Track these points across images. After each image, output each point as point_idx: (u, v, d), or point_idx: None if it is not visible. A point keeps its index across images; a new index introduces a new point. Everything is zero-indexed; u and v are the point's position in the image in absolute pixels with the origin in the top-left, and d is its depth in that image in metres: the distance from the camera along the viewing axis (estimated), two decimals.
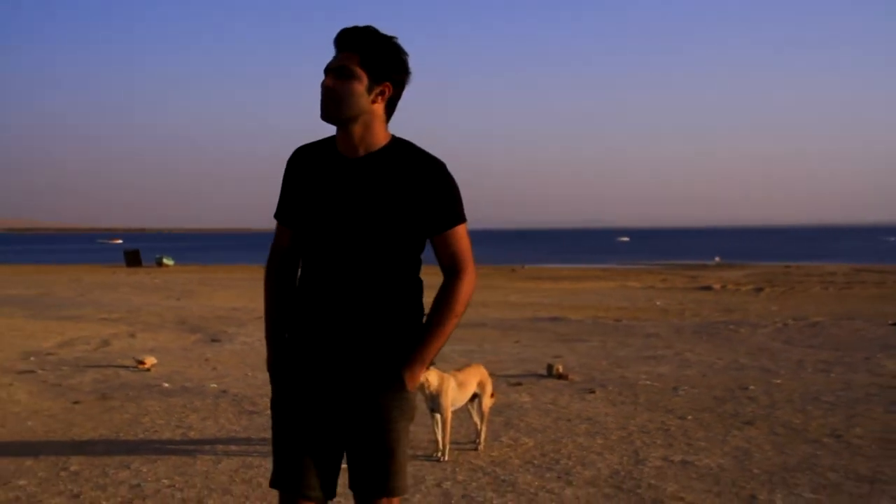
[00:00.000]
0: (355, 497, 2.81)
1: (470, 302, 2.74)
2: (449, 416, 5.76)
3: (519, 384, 8.70)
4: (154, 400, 7.89)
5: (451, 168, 2.79)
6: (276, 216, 2.93)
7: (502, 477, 5.30)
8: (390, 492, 2.75)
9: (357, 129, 2.74)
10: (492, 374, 9.09)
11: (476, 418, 6.13)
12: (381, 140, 2.77)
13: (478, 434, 6.10)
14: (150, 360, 10.15)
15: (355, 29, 2.76)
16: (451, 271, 2.76)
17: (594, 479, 5.23)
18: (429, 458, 5.76)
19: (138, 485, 5.13)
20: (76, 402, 7.80)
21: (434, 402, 5.73)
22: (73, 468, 5.50)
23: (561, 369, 9.31)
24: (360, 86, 2.72)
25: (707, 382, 8.75)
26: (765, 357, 10.81)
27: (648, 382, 8.77)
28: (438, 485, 5.13)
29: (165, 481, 5.20)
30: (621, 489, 5.01)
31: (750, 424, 6.74)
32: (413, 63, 2.79)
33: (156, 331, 14.36)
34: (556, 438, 6.30)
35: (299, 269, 2.90)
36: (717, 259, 55.67)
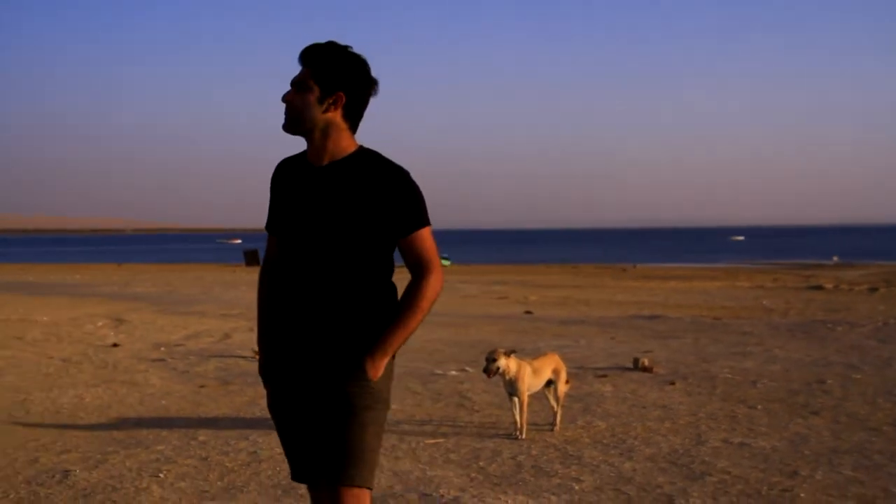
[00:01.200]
0: (323, 492, 2.88)
1: (436, 300, 2.87)
2: (525, 399, 6.41)
3: (604, 376, 9.25)
4: None
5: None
6: (265, 227, 3.10)
7: (571, 452, 5.93)
8: (344, 480, 2.80)
9: (317, 139, 2.93)
10: (580, 367, 9.72)
11: (552, 402, 6.76)
12: (345, 149, 2.93)
13: (554, 416, 6.72)
14: None
15: (312, 45, 2.94)
16: (416, 273, 2.90)
17: (654, 455, 5.81)
18: (509, 436, 6.42)
19: (255, 452, 5.96)
20: (202, 386, 8.76)
21: (512, 387, 6.39)
22: (201, 438, 6.39)
23: (647, 363, 9.81)
24: (312, 97, 2.89)
25: (787, 377, 9.11)
26: (854, 354, 11.03)
27: (729, 376, 9.19)
28: (513, 458, 5.80)
29: (278, 450, 6.01)
30: (676, 464, 5.58)
31: (816, 414, 7.15)
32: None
33: None
34: (627, 422, 6.88)
35: None
36: (835, 258, 54.29)
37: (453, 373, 9.47)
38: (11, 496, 4.96)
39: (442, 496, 4.92)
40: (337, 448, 2.81)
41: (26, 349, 11.63)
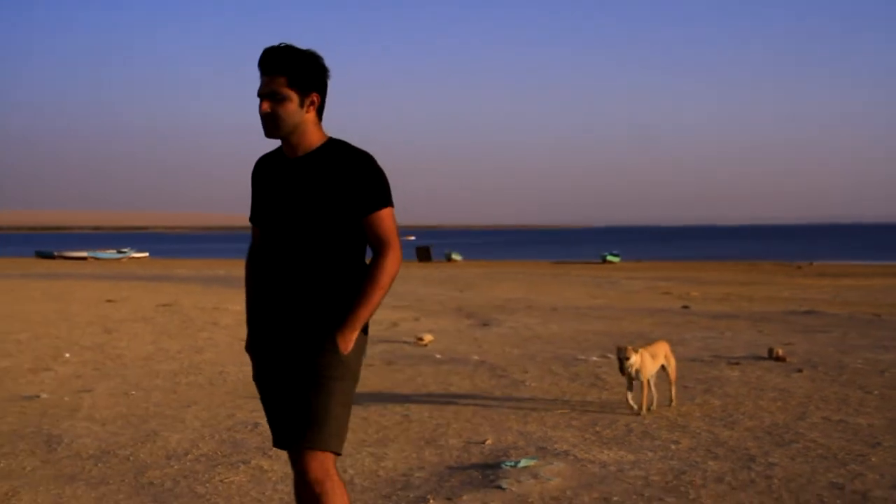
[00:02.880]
0: (290, 454, 3.14)
1: (395, 276, 3.13)
2: (646, 381, 7.15)
3: (737, 363, 9.83)
4: (427, 366, 9.88)
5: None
6: (249, 219, 3.35)
7: (679, 423, 6.71)
8: (318, 443, 3.04)
9: (295, 138, 3.17)
10: (716, 356, 10.41)
11: (668, 383, 7.48)
12: (316, 141, 3.18)
13: (671, 395, 7.45)
14: (428, 338, 12.28)
15: (276, 52, 3.12)
16: (376, 250, 3.15)
17: (753, 427, 6.51)
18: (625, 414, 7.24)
19: (407, 415, 7.07)
20: (369, 366, 9.94)
21: (637, 374, 7.10)
22: (363, 404, 7.55)
23: (780, 352, 10.28)
24: (293, 104, 3.11)
25: None
26: None
27: (860, 366, 9.56)
28: (626, 425, 6.65)
29: (426, 414, 7.10)
30: (770, 434, 6.27)
31: None
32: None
33: (437, 316, 16.60)
34: (740, 401, 7.54)
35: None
36: None
37: (594, 358, 10.30)
38: (216, 438, 6.29)
39: (555, 449, 5.84)
40: (304, 414, 3.07)
41: (220, 332, 13.30)
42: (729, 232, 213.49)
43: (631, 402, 7.17)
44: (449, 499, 4.81)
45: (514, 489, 4.93)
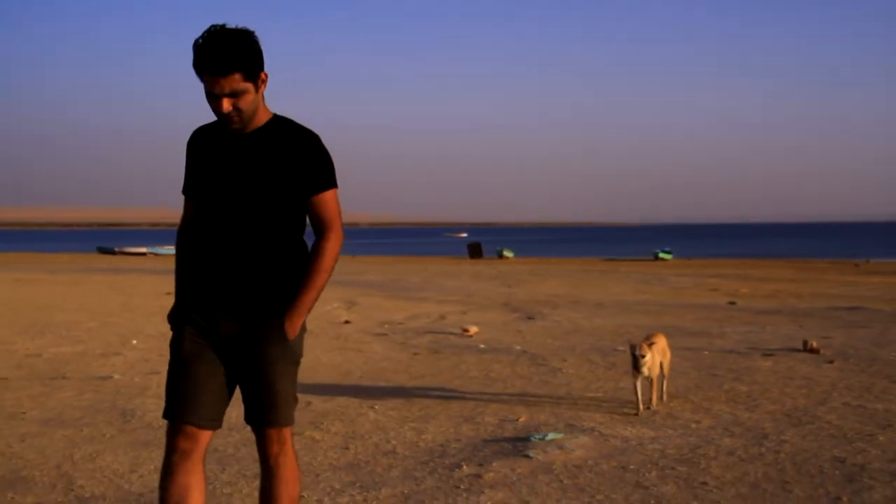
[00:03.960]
0: (253, 429, 3.24)
1: (337, 258, 3.16)
2: (656, 375, 7.20)
3: (770, 355, 10.15)
4: (470, 355, 10.37)
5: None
6: (182, 192, 3.27)
7: (704, 406, 7.13)
8: (275, 423, 3.18)
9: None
10: (752, 347, 10.76)
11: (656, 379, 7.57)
12: (263, 117, 3.11)
13: (662, 390, 7.44)
14: (474, 329, 12.78)
15: (223, 49, 2.93)
16: (319, 232, 3.12)
17: (774, 410, 6.90)
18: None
19: (448, 397, 7.59)
20: (415, 354, 10.50)
21: (650, 372, 7.28)
22: (408, 387, 8.11)
23: (814, 345, 10.56)
24: (251, 94, 3.02)
25: None
26: None
27: (893, 358, 9.82)
28: (653, 409, 7.06)
29: (466, 396, 7.62)
30: (789, 416, 6.66)
31: None
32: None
33: (484, 310, 17.07)
34: (766, 388, 7.92)
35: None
36: None
37: None
38: None
39: (582, 426, 6.32)
40: (267, 399, 3.17)
41: None
42: (788, 229, 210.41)
43: (639, 395, 6.95)
44: (480, 465, 5.32)
45: (539, 458, 5.43)
